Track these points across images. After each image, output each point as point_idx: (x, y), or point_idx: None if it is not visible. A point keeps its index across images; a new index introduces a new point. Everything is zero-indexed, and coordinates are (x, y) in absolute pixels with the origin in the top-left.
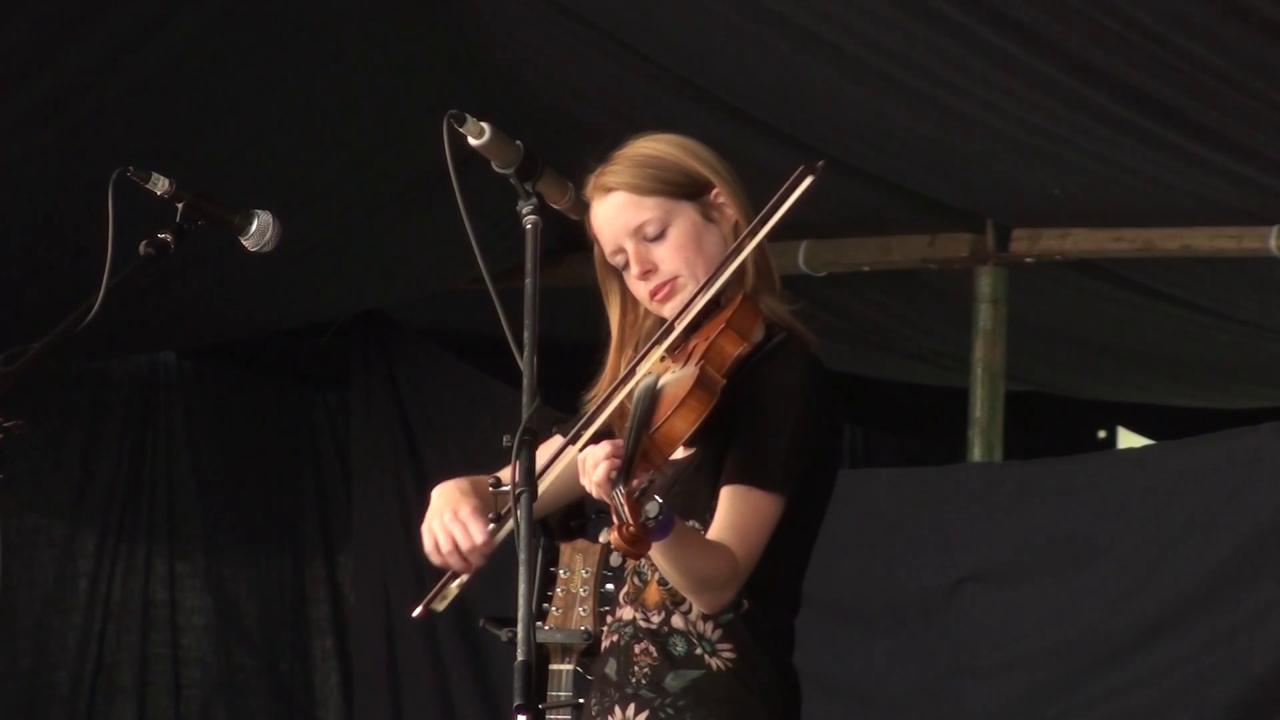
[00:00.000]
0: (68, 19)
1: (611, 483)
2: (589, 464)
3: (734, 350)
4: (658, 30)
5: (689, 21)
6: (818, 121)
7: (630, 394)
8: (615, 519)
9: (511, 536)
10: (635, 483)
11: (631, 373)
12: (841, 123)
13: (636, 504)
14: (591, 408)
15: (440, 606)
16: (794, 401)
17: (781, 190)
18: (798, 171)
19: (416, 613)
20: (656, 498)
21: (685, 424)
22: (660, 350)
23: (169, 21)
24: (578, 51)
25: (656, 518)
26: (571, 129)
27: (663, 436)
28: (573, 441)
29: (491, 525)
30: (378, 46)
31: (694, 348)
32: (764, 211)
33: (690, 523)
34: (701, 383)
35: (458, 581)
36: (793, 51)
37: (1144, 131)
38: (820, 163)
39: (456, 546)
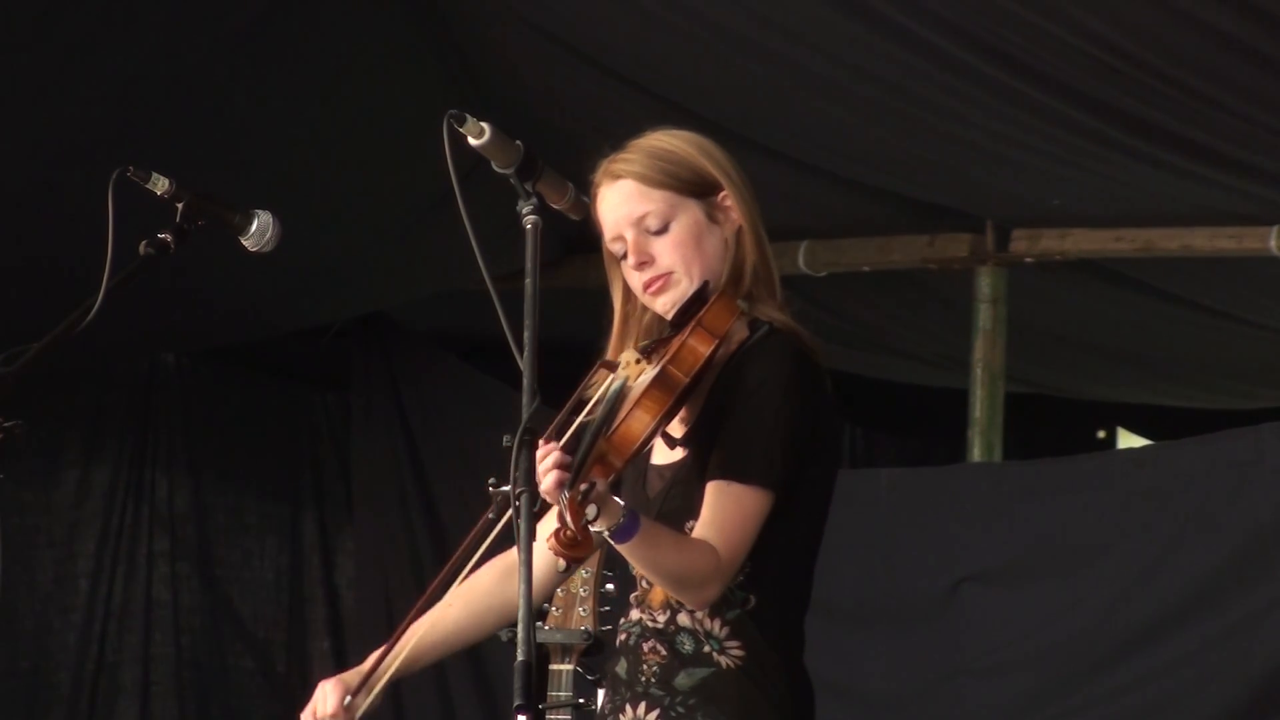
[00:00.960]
0: (78, 31)
1: (560, 488)
2: (540, 471)
3: (704, 349)
4: (650, 59)
5: (685, 57)
6: (815, 146)
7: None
8: (558, 522)
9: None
10: (582, 486)
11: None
12: (839, 147)
13: (579, 508)
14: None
15: None
16: (773, 394)
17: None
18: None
19: None
20: (598, 502)
21: (640, 425)
22: (631, 352)
23: (178, 34)
24: (572, 77)
25: (598, 518)
26: (566, 149)
27: (619, 438)
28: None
29: (349, 700)
30: (379, 57)
31: (668, 349)
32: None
33: (689, 524)
34: (659, 382)
35: None
36: (790, 85)
37: (1140, 152)
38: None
39: (314, 712)
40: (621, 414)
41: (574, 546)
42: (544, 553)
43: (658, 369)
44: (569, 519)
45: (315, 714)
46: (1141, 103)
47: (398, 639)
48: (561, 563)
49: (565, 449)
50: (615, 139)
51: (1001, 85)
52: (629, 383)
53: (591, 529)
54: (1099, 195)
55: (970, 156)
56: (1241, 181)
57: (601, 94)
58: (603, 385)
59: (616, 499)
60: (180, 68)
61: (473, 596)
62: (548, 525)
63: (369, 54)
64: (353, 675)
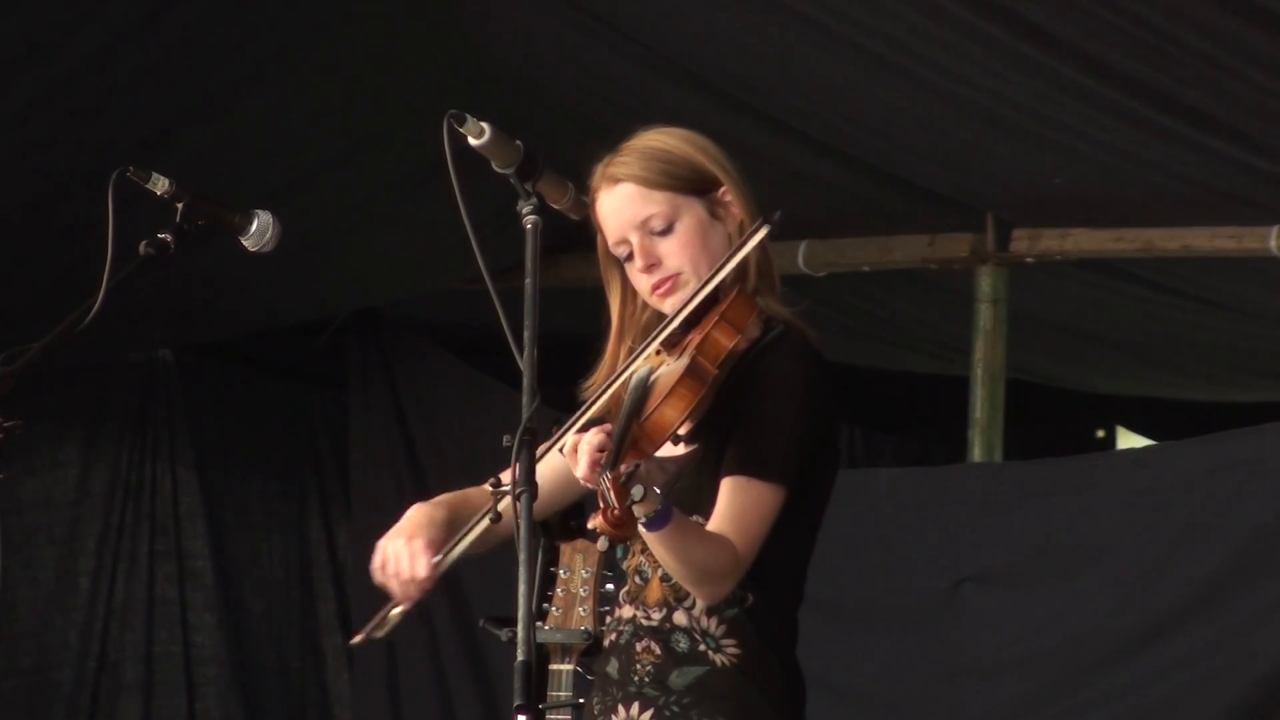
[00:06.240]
0: (61, 15)
1: (599, 469)
2: (578, 452)
3: (728, 342)
4: (658, 22)
5: (689, 13)
6: (819, 110)
7: (624, 386)
8: (601, 503)
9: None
10: (623, 468)
11: (626, 368)
12: (841, 110)
13: (622, 488)
14: (587, 401)
15: (380, 634)
16: (792, 392)
17: (740, 241)
18: (756, 224)
19: (356, 640)
20: (643, 484)
21: (675, 412)
22: (655, 344)
23: (164, 15)
24: (576, 42)
25: (642, 500)
26: (569, 121)
27: (653, 425)
28: (565, 431)
29: (436, 560)
30: (374, 41)
31: (689, 341)
32: (724, 259)
33: (695, 518)
34: (691, 372)
35: (398, 609)
36: (793, 40)
37: (1145, 120)
38: (777, 214)
39: (399, 573)
40: (654, 402)
41: (620, 525)
42: (552, 469)
43: (688, 360)
44: (613, 498)
45: (401, 575)
46: (1149, 68)
47: (468, 508)
48: (604, 541)
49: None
50: (609, 98)
51: (1007, 48)
52: (653, 373)
53: (635, 510)
54: (1100, 170)
55: (973, 122)
56: (1246, 154)
57: (593, 48)
58: (625, 374)
59: (655, 487)
60: (176, 62)
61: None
62: (544, 465)
63: (366, 40)
64: (433, 531)
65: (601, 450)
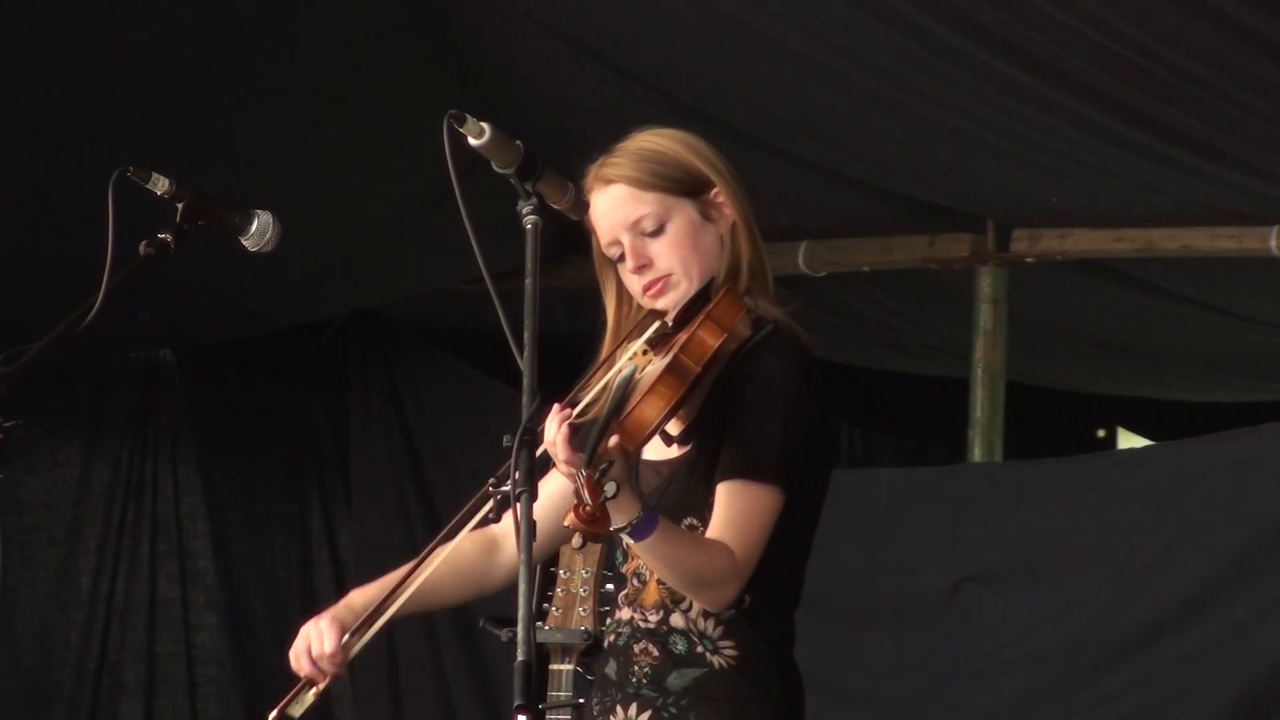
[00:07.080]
0: (67, 20)
1: (575, 465)
2: (556, 447)
3: (713, 341)
4: (652, 52)
5: (682, 43)
6: (817, 140)
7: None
8: (575, 498)
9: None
10: (600, 464)
11: (609, 363)
12: (840, 140)
13: (596, 485)
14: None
15: (296, 712)
16: (783, 392)
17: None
18: None
19: (271, 717)
20: (616, 482)
21: (654, 410)
22: (640, 342)
23: (175, 31)
24: (572, 72)
25: (615, 498)
26: (566, 146)
27: (632, 423)
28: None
29: (346, 638)
30: (378, 54)
31: (676, 340)
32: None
33: (688, 520)
34: (672, 369)
35: (314, 690)
36: (789, 74)
37: (1141, 145)
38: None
39: (309, 650)
40: (634, 401)
41: (593, 523)
42: (544, 513)
43: (670, 358)
44: (587, 494)
45: (310, 653)
46: (1143, 94)
47: (391, 586)
48: (578, 539)
49: (576, 434)
50: (612, 131)
51: (1002, 76)
52: (638, 372)
53: (612, 519)
54: (1098, 193)
55: (969, 151)
56: (1242, 177)
57: (599, 85)
58: (610, 373)
59: (633, 495)
60: (176, 64)
61: (456, 560)
62: (548, 485)
63: (367, 48)
64: (346, 614)
65: (574, 449)
